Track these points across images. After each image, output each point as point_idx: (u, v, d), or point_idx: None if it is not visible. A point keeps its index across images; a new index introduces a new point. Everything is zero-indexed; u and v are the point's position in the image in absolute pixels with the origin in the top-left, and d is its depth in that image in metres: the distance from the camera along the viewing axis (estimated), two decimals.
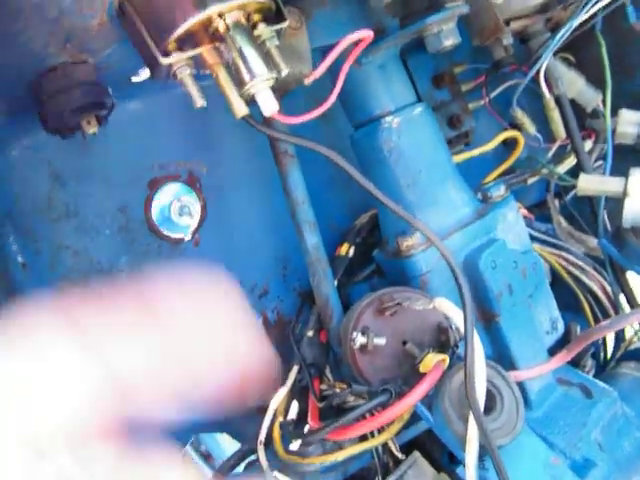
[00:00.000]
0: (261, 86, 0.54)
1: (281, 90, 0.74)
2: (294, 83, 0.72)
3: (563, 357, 0.70)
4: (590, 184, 0.84)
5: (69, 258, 0.77)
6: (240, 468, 0.82)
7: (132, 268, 0.81)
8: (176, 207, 0.84)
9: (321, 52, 0.78)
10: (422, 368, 0.63)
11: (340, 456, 0.66)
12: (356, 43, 0.61)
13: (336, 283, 0.82)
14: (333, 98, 0.57)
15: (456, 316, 0.61)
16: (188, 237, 0.85)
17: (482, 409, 0.57)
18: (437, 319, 0.67)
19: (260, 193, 0.89)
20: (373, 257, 0.86)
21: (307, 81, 0.58)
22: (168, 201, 0.84)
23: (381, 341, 0.66)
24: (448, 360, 0.62)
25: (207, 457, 1.80)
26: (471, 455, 0.56)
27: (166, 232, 0.83)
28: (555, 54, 1.08)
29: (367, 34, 0.55)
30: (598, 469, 0.76)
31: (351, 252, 0.87)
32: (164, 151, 0.83)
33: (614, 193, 0.83)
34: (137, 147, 0.81)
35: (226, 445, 1.64)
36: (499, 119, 1.02)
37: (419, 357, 0.64)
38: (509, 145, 1.09)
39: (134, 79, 0.78)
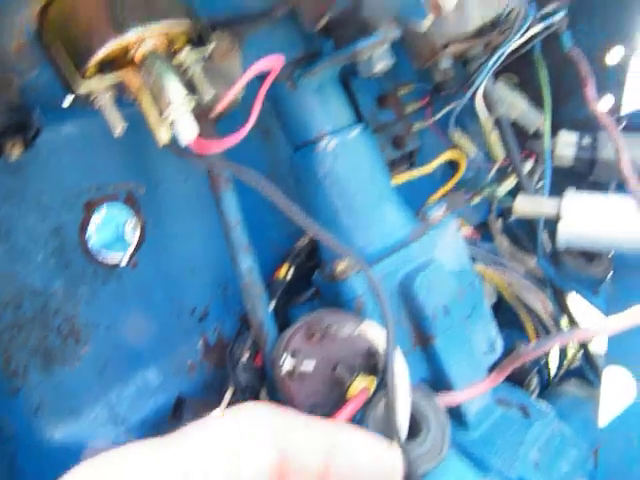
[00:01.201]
0: (179, 112, 0.54)
1: (214, 116, 0.74)
2: (228, 107, 0.72)
3: (494, 379, 0.71)
4: (525, 206, 0.85)
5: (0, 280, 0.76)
6: None
7: (67, 291, 0.80)
8: (113, 229, 0.83)
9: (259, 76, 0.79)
10: (349, 393, 0.63)
11: None
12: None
13: (273, 306, 0.82)
14: (248, 126, 0.57)
15: (382, 341, 0.61)
16: (125, 260, 0.84)
17: (405, 435, 0.57)
18: (367, 343, 0.67)
19: (199, 214, 0.89)
20: (313, 280, 0.86)
21: (213, 113, 0.58)
22: (105, 223, 0.83)
23: (310, 366, 0.65)
24: (375, 384, 0.62)
25: None
26: None
27: (102, 255, 0.82)
28: (499, 75, 1.10)
29: (276, 62, 0.55)
30: None
31: (290, 274, 0.87)
32: (101, 172, 0.82)
33: (548, 215, 0.84)
34: (72, 169, 0.80)
35: None
36: (444, 139, 1.03)
37: (348, 382, 0.64)
38: (456, 166, 1.11)
39: (64, 104, 0.77)
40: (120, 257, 0.84)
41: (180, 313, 0.88)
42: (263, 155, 0.95)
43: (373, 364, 0.66)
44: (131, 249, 0.84)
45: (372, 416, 0.60)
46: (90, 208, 0.81)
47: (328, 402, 0.66)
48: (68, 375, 0.79)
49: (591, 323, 0.75)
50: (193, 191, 0.88)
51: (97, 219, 0.82)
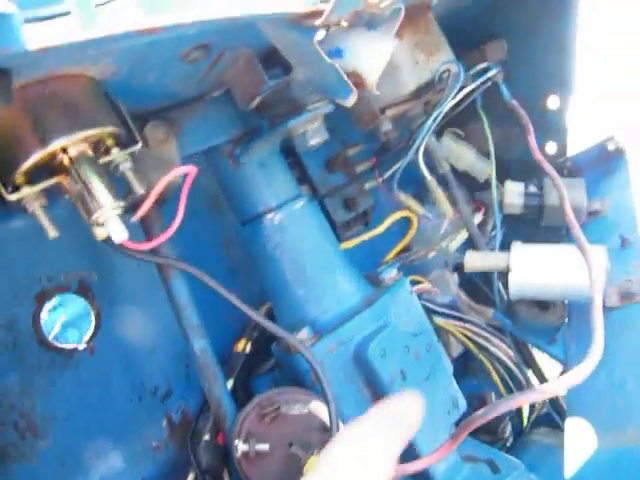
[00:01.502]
0: (107, 215, 0.55)
1: (159, 199, 0.75)
2: (166, 192, 0.73)
3: (448, 447, 0.69)
4: (475, 262, 0.87)
5: None
6: None
7: (22, 385, 0.79)
8: (67, 318, 0.83)
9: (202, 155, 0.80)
10: (305, 470, 0.63)
11: None
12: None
13: (232, 382, 0.82)
14: (176, 224, 0.58)
15: (330, 421, 0.61)
16: (82, 346, 0.84)
17: None
18: (321, 419, 0.67)
19: (155, 294, 0.88)
20: (271, 351, 0.86)
21: (134, 218, 0.59)
22: (58, 312, 0.83)
23: (264, 447, 0.65)
24: None
25: None
26: None
27: (58, 344, 0.82)
28: (445, 129, 1.13)
29: (190, 170, 0.56)
30: None
31: (248, 348, 0.87)
32: (51, 262, 0.82)
33: (498, 268, 0.86)
34: (21, 261, 0.80)
35: None
36: (392, 199, 1.04)
37: (303, 459, 0.64)
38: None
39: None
40: (76, 345, 0.83)
41: (142, 395, 0.88)
42: (215, 227, 0.95)
43: (329, 439, 0.66)
44: (88, 335, 0.84)
45: None
46: (42, 299, 0.81)
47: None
48: (26, 471, 0.78)
49: (544, 384, 0.75)
50: (146, 273, 0.88)
51: (50, 309, 0.82)
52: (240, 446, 0.65)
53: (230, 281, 0.93)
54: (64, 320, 0.83)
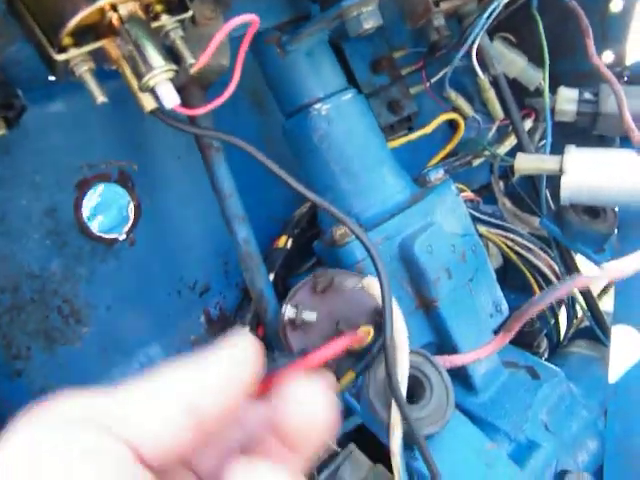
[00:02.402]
0: (159, 78, 0.52)
1: (202, 82, 0.72)
2: (213, 74, 0.70)
3: (501, 340, 0.69)
4: (527, 163, 0.83)
5: None
6: None
7: (65, 271, 0.79)
8: (107, 207, 0.82)
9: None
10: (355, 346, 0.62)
11: None
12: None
13: (273, 276, 0.81)
14: (232, 87, 0.55)
15: (385, 297, 0.59)
16: (122, 237, 0.83)
17: (404, 397, 0.56)
18: (370, 299, 0.65)
19: (195, 189, 0.87)
20: (313, 247, 0.85)
21: (191, 70, 0.56)
22: (99, 201, 0.82)
23: (311, 316, 0.63)
24: (372, 337, 0.61)
25: None
26: (395, 443, 0.55)
27: (99, 233, 0.81)
28: (496, 34, 1.07)
29: (252, 18, 0.53)
30: (542, 450, 0.76)
31: (289, 244, 0.86)
32: (92, 151, 0.81)
33: (551, 171, 0.82)
34: (62, 148, 0.79)
35: None
36: (440, 102, 1.01)
37: None
38: (455, 127, 1.09)
39: (51, 77, 0.76)
40: (117, 235, 0.83)
41: (181, 289, 0.88)
42: (255, 123, 0.93)
43: (379, 322, 0.64)
44: (128, 226, 0.83)
45: (372, 380, 0.59)
46: (83, 187, 0.80)
47: None
48: (71, 355, 0.79)
49: (592, 270, 0.72)
50: (187, 167, 0.87)
51: (91, 197, 0.81)
52: (288, 311, 0.63)
53: (271, 180, 0.92)
54: (104, 210, 0.82)
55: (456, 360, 0.71)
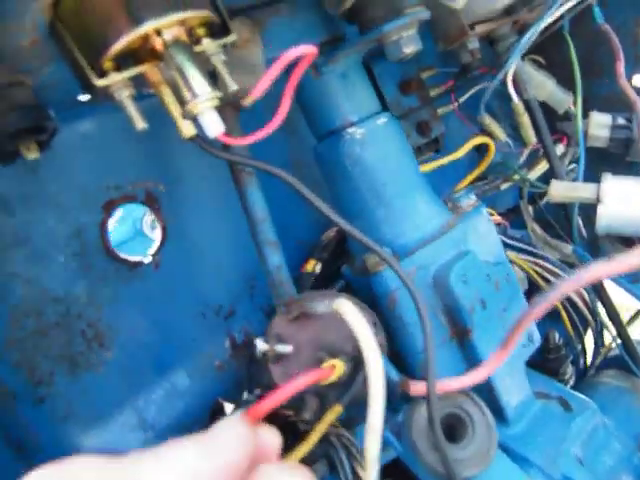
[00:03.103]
0: (203, 106, 0.51)
1: (237, 106, 0.70)
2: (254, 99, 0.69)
3: (505, 350, 0.64)
4: (561, 191, 0.82)
5: (20, 287, 0.73)
6: None
7: (90, 294, 0.78)
8: (134, 229, 0.80)
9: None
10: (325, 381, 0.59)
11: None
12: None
13: None
14: (279, 119, 0.54)
15: (353, 320, 0.55)
16: (148, 260, 0.81)
17: (443, 437, 0.54)
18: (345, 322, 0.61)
19: (222, 211, 0.86)
20: (342, 272, 0.83)
21: (245, 102, 0.55)
22: (125, 223, 0.80)
23: (285, 349, 0.61)
24: (345, 366, 0.58)
25: None
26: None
27: (124, 255, 0.80)
28: (525, 56, 1.06)
29: (310, 50, 0.51)
30: None
31: (317, 269, 0.84)
32: (119, 171, 0.79)
33: (586, 199, 0.81)
34: (89, 168, 0.77)
35: None
36: (469, 124, 0.99)
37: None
38: (482, 150, 1.07)
39: (81, 98, 0.74)
40: (142, 257, 0.81)
41: (206, 312, 0.86)
42: (285, 147, 0.91)
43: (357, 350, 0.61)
44: (153, 248, 0.81)
45: (415, 419, 0.57)
46: (109, 208, 0.79)
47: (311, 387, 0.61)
48: (94, 381, 0.77)
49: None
50: (215, 188, 0.86)
51: (117, 219, 0.79)
52: (260, 345, 0.60)
53: (299, 203, 0.90)
54: (130, 232, 0.81)
55: (464, 380, 0.65)
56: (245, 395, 0.76)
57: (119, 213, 0.80)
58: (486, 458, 0.58)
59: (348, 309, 0.55)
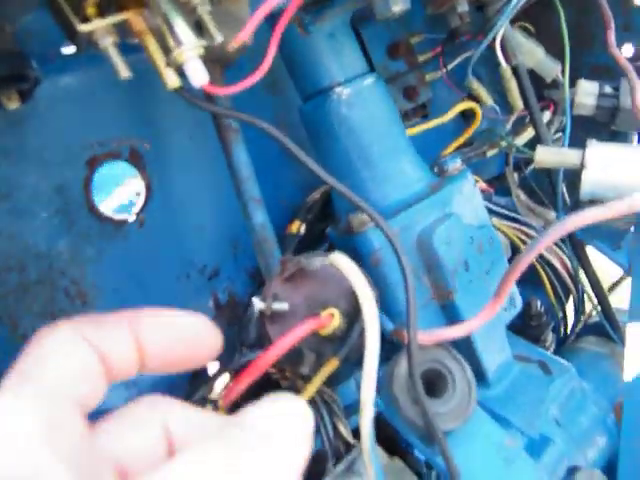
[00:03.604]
0: (189, 54, 0.50)
1: (223, 61, 0.70)
2: (235, 53, 0.68)
3: (493, 305, 0.65)
4: (547, 156, 0.82)
5: (2, 242, 0.73)
6: None
7: (73, 252, 0.77)
8: (118, 186, 0.80)
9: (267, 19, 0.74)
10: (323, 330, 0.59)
11: None
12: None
13: None
14: (265, 67, 0.53)
15: (350, 271, 0.56)
16: (132, 218, 0.81)
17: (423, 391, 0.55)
18: (341, 276, 0.61)
19: (207, 171, 0.85)
20: (326, 234, 0.84)
21: (230, 48, 0.54)
22: (109, 180, 0.79)
23: (282, 306, 0.61)
24: (340, 319, 0.58)
25: None
26: (365, 424, 0.53)
27: (108, 213, 0.79)
28: (514, 23, 1.05)
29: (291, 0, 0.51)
30: (554, 446, 0.75)
31: (302, 230, 0.84)
32: (103, 128, 0.79)
33: (572, 165, 0.81)
34: (73, 123, 0.76)
35: None
36: (457, 90, 0.99)
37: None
38: (468, 117, 1.07)
39: (65, 50, 0.73)
40: (126, 216, 0.80)
41: (190, 272, 0.86)
42: (270, 108, 0.91)
43: (353, 302, 0.59)
44: (137, 207, 0.81)
45: (395, 374, 0.58)
46: (93, 165, 0.78)
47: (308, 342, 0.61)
48: None
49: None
50: (199, 148, 0.85)
51: (101, 176, 0.79)
52: (257, 304, 0.60)
53: (283, 164, 0.90)
54: (114, 189, 0.80)
55: (446, 333, 0.66)
56: (237, 355, 0.76)
57: (105, 173, 0.79)
58: (465, 412, 0.58)
59: (344, 260, 0.56)
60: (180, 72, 0.54)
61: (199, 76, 0.51)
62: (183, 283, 0.85)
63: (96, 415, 0.78)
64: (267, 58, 0.51)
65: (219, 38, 0.55)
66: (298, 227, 0.84)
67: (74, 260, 0.77)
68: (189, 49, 0.50)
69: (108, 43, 0.52)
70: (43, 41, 0.65)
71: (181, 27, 0.50)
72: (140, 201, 0.81)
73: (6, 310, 0.73)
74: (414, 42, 1.01)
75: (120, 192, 0.80)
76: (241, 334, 0.80)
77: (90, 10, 0.51)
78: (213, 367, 0.81)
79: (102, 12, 0.51)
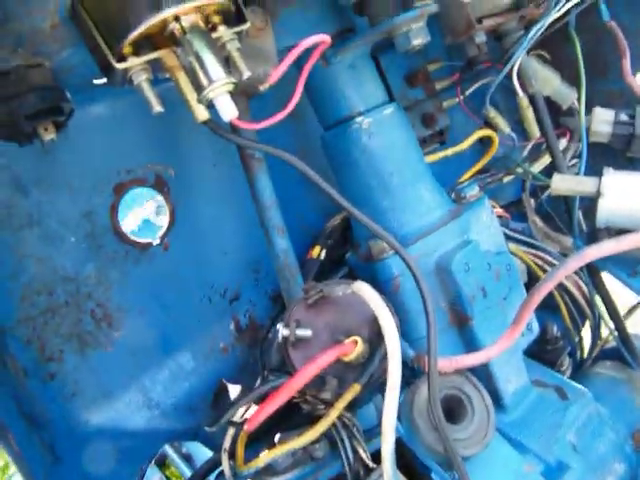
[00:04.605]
0: (219, 91, 0.52)
1: (248, 92, 0.72)
2: (261, 86, 0.70)
3: (513, 331, 0.67)
4: (564, 184, 0.83)
5: (32, 266, 0.75)
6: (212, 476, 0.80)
7: (99, 275, 0.79)
8: (144, 212, 0.82)
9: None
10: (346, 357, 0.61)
11: (295, 444, 0.63)
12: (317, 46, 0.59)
13: None
14: (292, 105, 0.55)
15: (373, 300, 0.58)
16: (157, 242, 0.83)
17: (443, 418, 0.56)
18: (364, 305, 0.62)
19: (231, 195, 0.87)
20: (346, 260, 0.85)
21: (262, 87, 0.56)
22: (135, 206, 0.82)
23: (306, 332, 0.62)
24: (363, 346, 0.60)
25: (188, 458, 1.79)
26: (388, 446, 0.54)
27: (134, 237, 0.81)
28: (530, 52, 1.07)
29: (324, 38, 0.53)
30: (572, 472, 0.76)
31: (322, 255, 0.86)
32: (130, 155, 0.81)
33: (588, 193, 0.82)
34: (101, 151, 0.79)
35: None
36: (474, 117, 1.00)
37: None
38: (486, 144, 1.08)
39: (96, 81, 0.76)
40: (151, 240, 0.83)
41: (211, 296, 0.88)
42: (292, 136, 0.93)
43: (375, 330, 0.62)
44: (162, 231, 0.83)
45: (415, 400, 0.59)
46: (120, 191, 0.80)
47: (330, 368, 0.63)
48: (102, 359, 0.79)
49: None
50: (223, 174, 0.87)
51: (128, 202, 0.81)
52: (282, 330, 0.62)
53: (304, 190, 0.92)
54: (140, 214, 0.82)
55: (466, 360, 0.68)
56: (259, 380, 0.78)
57: (131, 199, 0.82)
58: (484, 439, 0.59)
59: (367, 289, 0.58)
60: (208, 106, 0.57)
61: (228, 111, 0.53)
62: (205, 306, 0.87)
63: (119, 434, 0.80)
64: (294, 96, 0.54)
65: (247, 73, 0.57)
66: (319, 252, 0.86)
67: (100, 283, 0.79)
68: (219, 86, 0.52)
69: (142, 79, 0.54)
70: (77, 72, 0.68)
71: (212, 64, 0.52)
72: (165, 226, 0.83)
73: (35, 332, 0.75)
74: (432, 69, 1.03)
75: (145, 217, 0.82)
76: (263, 358, 0.82)
77: (126, 49, 0.53)
78: (234, 390, 0.82)
79: (137, 51, 0.54)
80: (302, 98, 0.85)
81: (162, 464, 1.89)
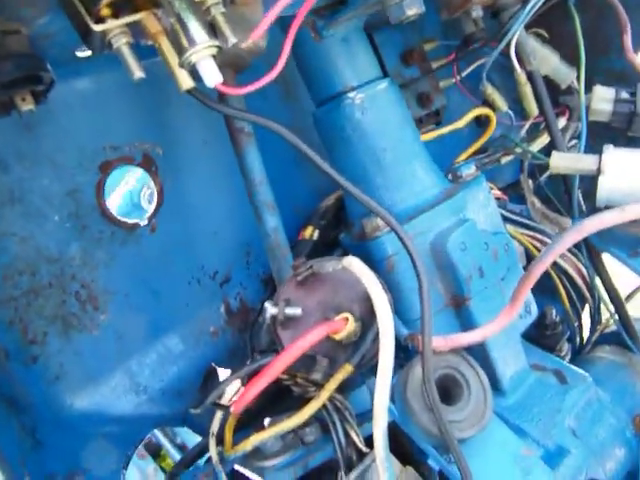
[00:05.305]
0: (202, 54, 0.50)
1: (237, 64, 0.70)
2: (249, 56, 0.68)
3: (510, 310, 0.64)
4: (563, 162, 0.81)
5: (14, 245, 0.73)
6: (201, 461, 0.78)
7: (84, 256, 0.77)
8: (130, 191, 0.79)
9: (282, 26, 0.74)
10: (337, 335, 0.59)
11: (284, 427, 0.61)
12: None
13: None
14: (279, 67, 0.53)
15: (364, 275, 0.56)
16: (144, 222, 0.81)
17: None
18: (361, 284, 0.59)
19: (220, 175, 0.85)
20: (340, 240, 0.83)
21: (246, 44, 0.54)
22: (121, 185, 0.79)
23: (295, 311, 0.60)
24: (354, 323, 0.58)
25: (182, 448, 1.77)
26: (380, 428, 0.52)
27: (120, 217, 0.79)
28: (528, 30, 1.04)
29: (304, 1, 0.50)
30: (571, 457, 0.73)
31: (315, 235, 0.84)
32: (116, 132, 0.79)
33: (588, 171, 0.80)
34: (86, 127, 0.76)
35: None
36: (470, 97, 0.98)
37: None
38: (483, 124, 1.06)
39: (79, 53, 0.73)
40: (138, 220, 0.80)
41: (201, 278, 0.85)
42: (283, 110, 0.90)
43: (367, 307, 0.60)
44: (150, 211, 0.80)
45: (409, 381, 0.57)
46: (106, 169, 0.78)
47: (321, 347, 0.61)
48: (87, 342, 0.77)
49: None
50: (213, 152, 0.85)
51: (113, 180, 0.79)
52: (270, 309, 0.60)
53: (297, 170, 0.90)
54: (126, 193, 0.80)
55: (461, 339, 0.65)
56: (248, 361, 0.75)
57: (118, 177, 0.79)
58: (481, 420, 0.57)
59: (357, 264, 0.56)
60: (194, 76, 0.54)
61: (212, 75, 0.50)
62: (194, 289, 0.85)
63: (105, 418, 0.78)
64: (282, 57, 0.51)
65: (233, 39, 0.55)
66: (311, 233, 0.84)
67: (85, 264, 0.77)
68: (202, 49, 0.50)
69: (121, 43, 0.52)
70: (58, 44, 0.65)
71: (195, 27, 0.50)
72: (152, 206, 0.81)
73: (17, 313, 0.72)
74: (428, 49, 1.01)
75: (132, 197, 0.80)
76: (252, 340, 0.80)
77: (104, 11, 0.50)
78: (224, 373, 0.80)
79: (116, 13, 0.51)
80: (295, 77, 0.83)
81: (157, 455, 1.86)
